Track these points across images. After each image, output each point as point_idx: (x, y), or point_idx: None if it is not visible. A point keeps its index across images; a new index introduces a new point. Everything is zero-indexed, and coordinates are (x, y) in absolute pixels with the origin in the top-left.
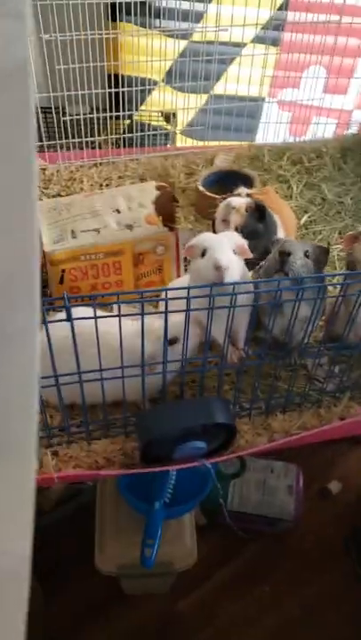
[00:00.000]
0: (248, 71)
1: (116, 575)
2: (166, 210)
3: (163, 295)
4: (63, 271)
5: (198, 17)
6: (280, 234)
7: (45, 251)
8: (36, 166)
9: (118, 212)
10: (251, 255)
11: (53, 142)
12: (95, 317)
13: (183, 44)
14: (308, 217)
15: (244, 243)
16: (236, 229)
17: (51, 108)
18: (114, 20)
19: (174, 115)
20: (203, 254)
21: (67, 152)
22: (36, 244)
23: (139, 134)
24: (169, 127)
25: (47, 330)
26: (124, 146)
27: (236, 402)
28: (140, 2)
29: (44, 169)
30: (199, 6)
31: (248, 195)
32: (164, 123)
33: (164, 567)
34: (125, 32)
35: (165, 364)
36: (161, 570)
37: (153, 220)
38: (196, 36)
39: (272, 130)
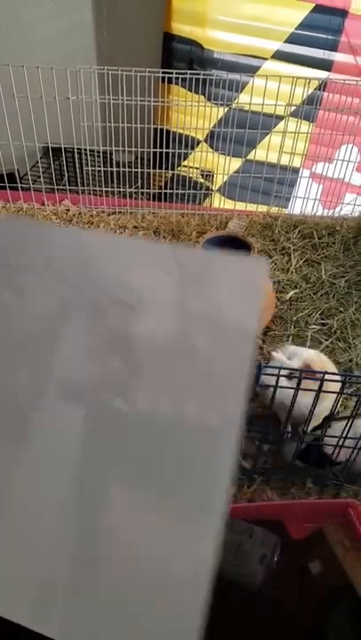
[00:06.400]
0: (286, 141)
1: None
2: None
3: None
4: None
5: (243, 86)
6: None
7: None
8: None
9: None
10: None
11: (91, 188)
12: None
13: (226, 109)
14: (295, 293)
15: None
16: None
17: (95, 152)
18: (170, 82)
19: (210, 173)
20: None
21: (89, 197)
22: None
23: (180, 191)
24: (206, 183)
25: None
26: (164, 200)
27: None
28: (190, 76)
29: (68, 210)
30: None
31: None
32: (202, 179)
33: None
34: (173, 99)
35: None
36: None
37: None
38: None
39: (308, 200)
